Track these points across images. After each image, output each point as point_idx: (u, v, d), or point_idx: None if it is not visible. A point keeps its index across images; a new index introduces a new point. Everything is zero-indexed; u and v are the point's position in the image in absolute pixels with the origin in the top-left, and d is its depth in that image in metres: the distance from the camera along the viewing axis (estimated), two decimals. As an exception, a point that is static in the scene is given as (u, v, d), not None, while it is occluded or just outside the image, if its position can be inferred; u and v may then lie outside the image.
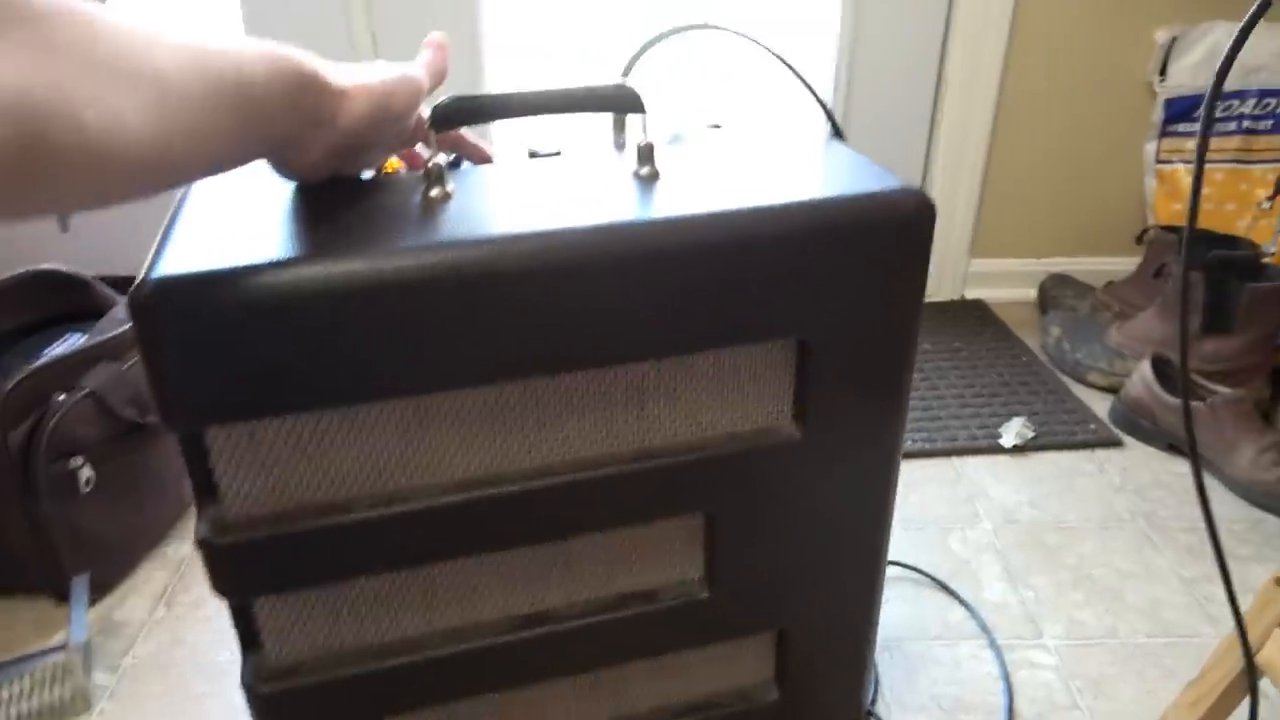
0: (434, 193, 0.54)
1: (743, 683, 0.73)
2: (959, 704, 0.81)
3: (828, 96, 1.47)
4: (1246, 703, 0.67)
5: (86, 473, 0.90)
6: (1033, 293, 1.52)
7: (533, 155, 0.63)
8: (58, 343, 1.07)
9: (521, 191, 0.55)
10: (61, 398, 0.91)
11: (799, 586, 0.67)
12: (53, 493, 0.88)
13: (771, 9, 1.48)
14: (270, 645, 0.58)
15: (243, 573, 0.54)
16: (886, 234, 0.55)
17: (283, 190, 0.55)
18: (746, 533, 0.63)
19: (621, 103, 0.55)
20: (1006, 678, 0.83)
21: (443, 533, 0.57)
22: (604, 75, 1.44)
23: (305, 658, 0.59)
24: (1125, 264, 1.54)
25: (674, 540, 0.64)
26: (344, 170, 0.55)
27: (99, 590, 0.94)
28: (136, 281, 0.47)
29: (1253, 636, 0.65)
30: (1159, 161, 1.44)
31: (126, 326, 1.03)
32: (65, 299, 1.11)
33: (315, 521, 0.54)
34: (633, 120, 0.67)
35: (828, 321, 0.56)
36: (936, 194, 1.49)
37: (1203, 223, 1.42)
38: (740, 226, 0.52)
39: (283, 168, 0.53)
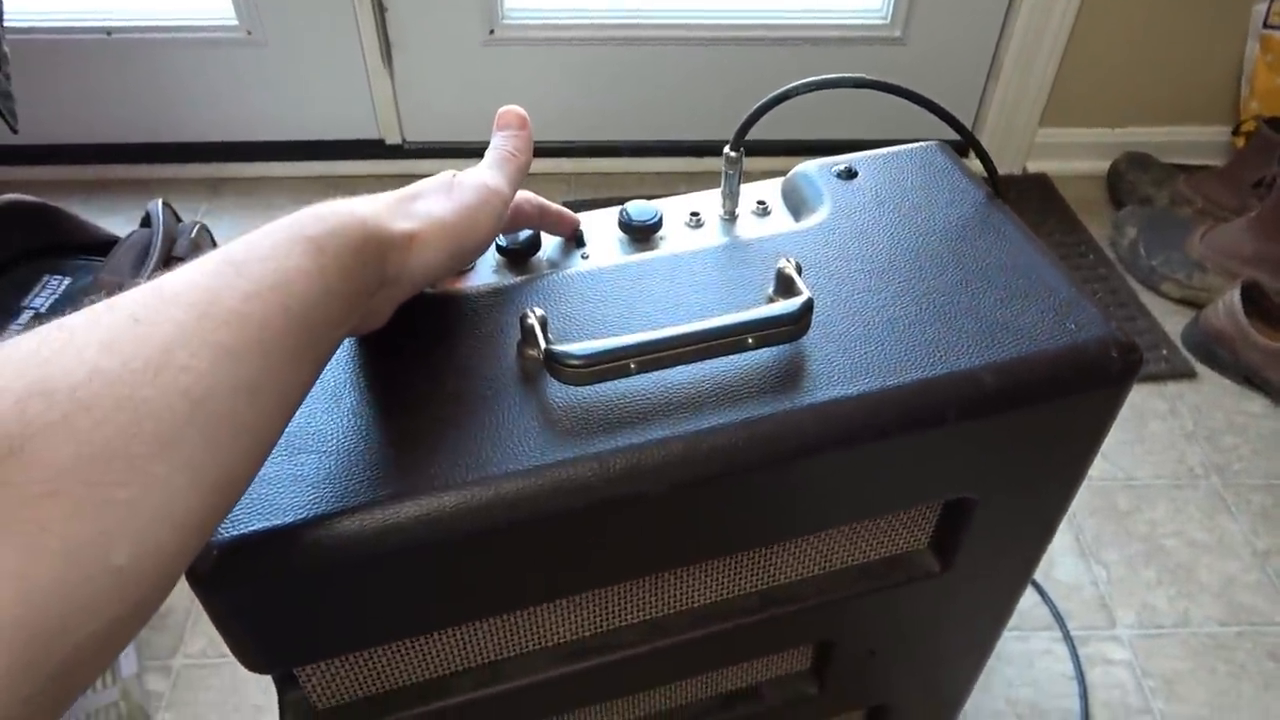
0: (532, 352, 0.43)
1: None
2: (1034, 710, 0.80)
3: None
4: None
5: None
6: (1102, 165, 1.38)
7: (625, 226, 0.51)
8: (36, 290, 0.95)
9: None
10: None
11: (909, 675, 0.63)
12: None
13: None
14: None
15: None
16: (1081, 395, 0.45)
17: (338, 358, 0.43)
18: (866, 650, 0.58)
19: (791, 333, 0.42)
20: (1081, 678, 0.82)
21: (549, 698, 0.51)
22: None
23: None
24: (1208, 135, 1.39)
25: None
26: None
27: (133, 577, 0.90)
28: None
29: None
30: (1267, 25, 1.26)
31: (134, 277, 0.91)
32: (33, 233, 0.97)
33: (413, 710, 0.48)
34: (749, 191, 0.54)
35: (993, 479, 0.48)
36: (1014, 52, 1.30)
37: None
38: (918, 404, 0.42)
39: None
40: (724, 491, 0.41)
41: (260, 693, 0.82)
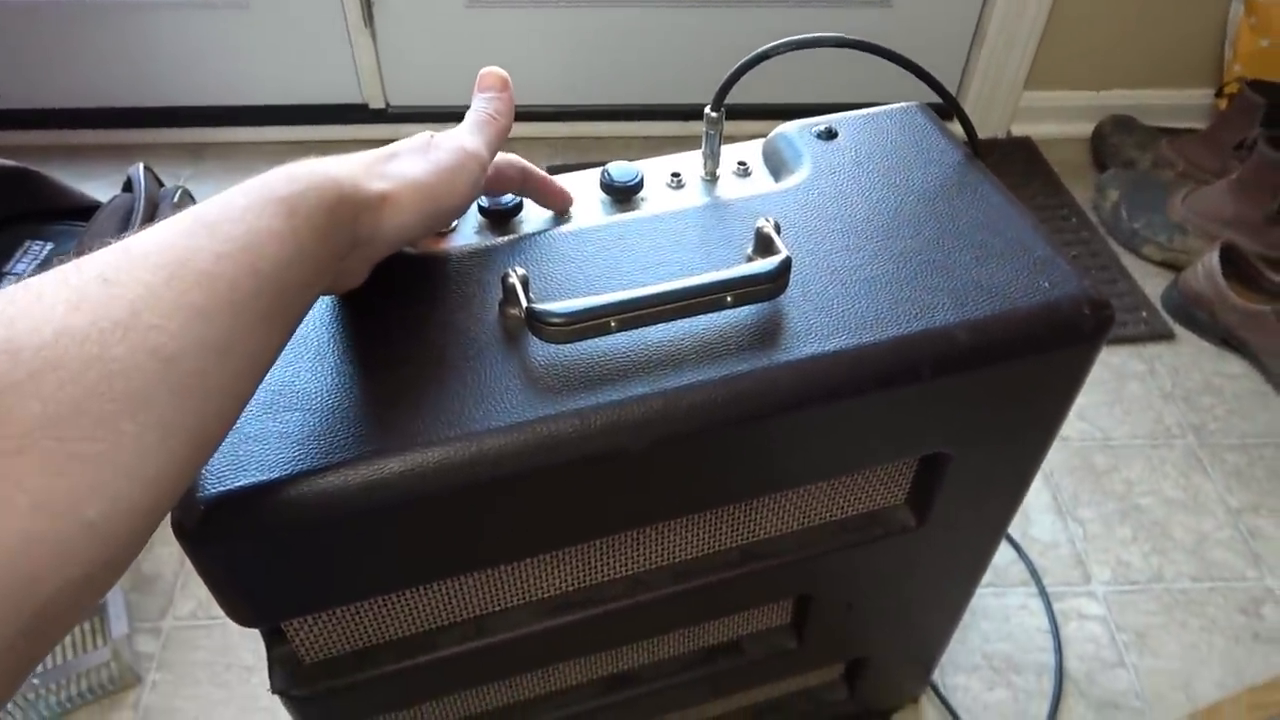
0: (514, 311, 0.44)
1: (810, 684, 0.73)
2: (1010, 663, 0.82)
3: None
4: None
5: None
6: (1086, 128, 1.39)
7: (607, 186, 0.51)
8: (17, 256, 0.94)
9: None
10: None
11: (886, 628, 0.65)
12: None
13: None
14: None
15: (325, 714, 0.50)
16: (1054, 351, 0.46)
17: (321, 317, 0.44)
18: (843, 604, 0.59)
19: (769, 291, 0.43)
20: (1056, 633, 0.84)
21: (532, 652, 0.52)
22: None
23: None
24: (1192, 98, 1.39)
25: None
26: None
27: (122, 541, 0.90)
28: (182, 500, 0.38)
29: None
30: (1253, -14, 1.26)
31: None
32: (14, 198, 0.97)
33: (399, 663, 0.49)
34: (730, 152, 0.55)
35: (968, 435, 0.49)
36: (998, 15, 1.30)
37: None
38: (894, 360, 0.43)
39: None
40: (703, 447, 0.42)
41: (250, 654, 0.83)
